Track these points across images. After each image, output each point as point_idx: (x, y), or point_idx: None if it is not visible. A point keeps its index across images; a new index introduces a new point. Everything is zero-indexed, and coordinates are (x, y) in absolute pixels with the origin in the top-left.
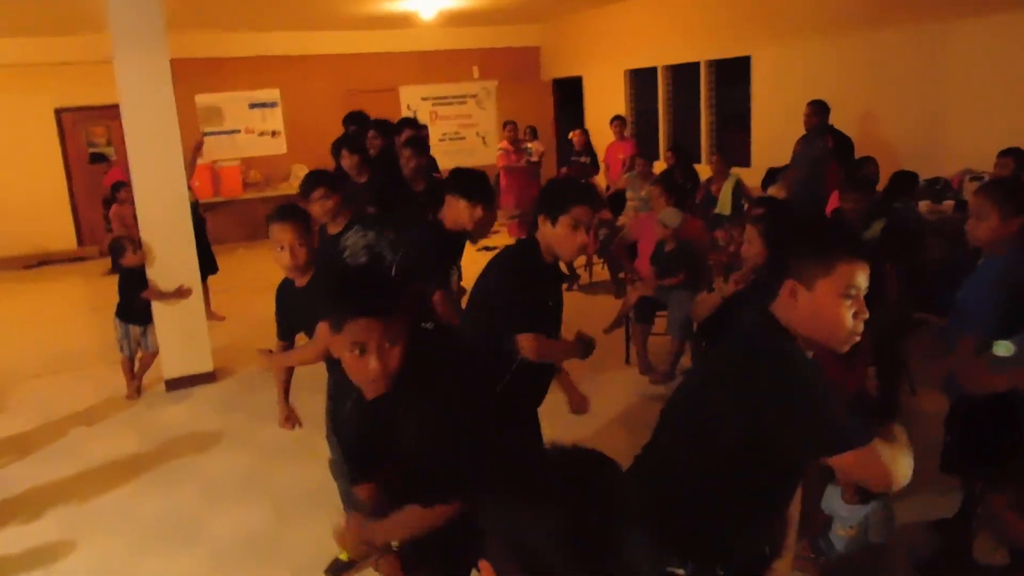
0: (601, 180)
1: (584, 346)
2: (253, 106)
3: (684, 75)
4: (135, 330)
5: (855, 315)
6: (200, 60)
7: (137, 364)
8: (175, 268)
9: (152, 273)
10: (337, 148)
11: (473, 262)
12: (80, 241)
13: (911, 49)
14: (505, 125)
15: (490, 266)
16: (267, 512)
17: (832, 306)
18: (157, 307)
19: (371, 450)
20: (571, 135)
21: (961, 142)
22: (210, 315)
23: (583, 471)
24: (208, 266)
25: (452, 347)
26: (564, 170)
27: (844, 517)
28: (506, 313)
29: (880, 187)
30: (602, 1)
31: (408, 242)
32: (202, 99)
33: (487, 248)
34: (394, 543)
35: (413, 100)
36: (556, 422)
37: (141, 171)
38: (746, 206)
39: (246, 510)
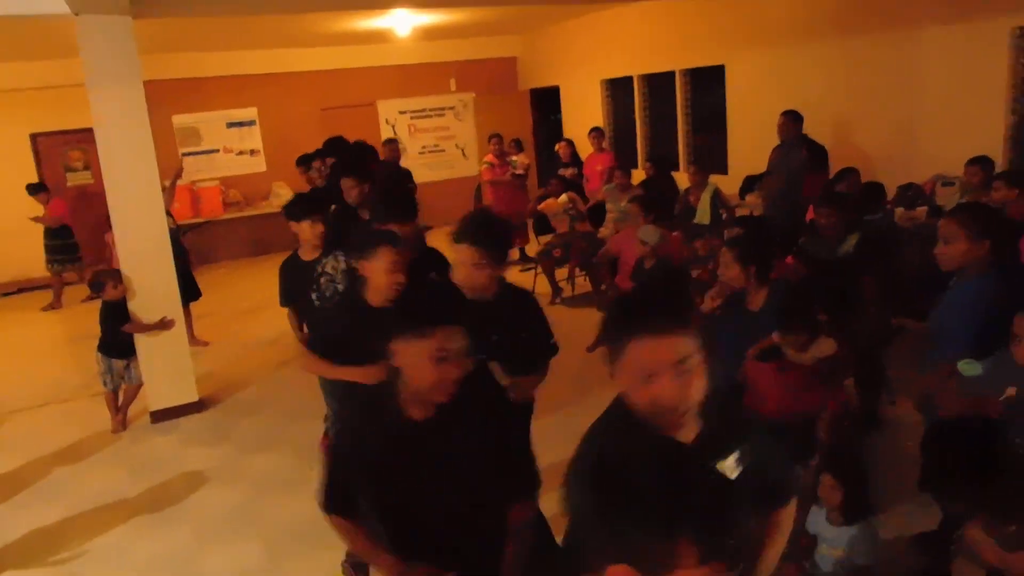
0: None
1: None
2: (231, 125)
3: (660, 84)
4: (118, 364)
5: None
6: (176, 81)
7: (121, 397)
8: (157, 299)
9: (134, 305)
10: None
11: None
12: None
13: (882, 57)
14: (490, 138)
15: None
16: (259, 550)
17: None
18: (140, 338)
19: (415, 472)
20: (557, 147)
21: (933, 148)
22: (193, 341)
23: None
24: (190, 292)
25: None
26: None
27: (830, 539)
28: None
29: None
30: (577, 12)
31: None
32: (179, 120)
33: None
34: None
35: (391, 114)
36: (547, 442)
37: (118, 198)
38: (724, 215)
39: (238, 548)
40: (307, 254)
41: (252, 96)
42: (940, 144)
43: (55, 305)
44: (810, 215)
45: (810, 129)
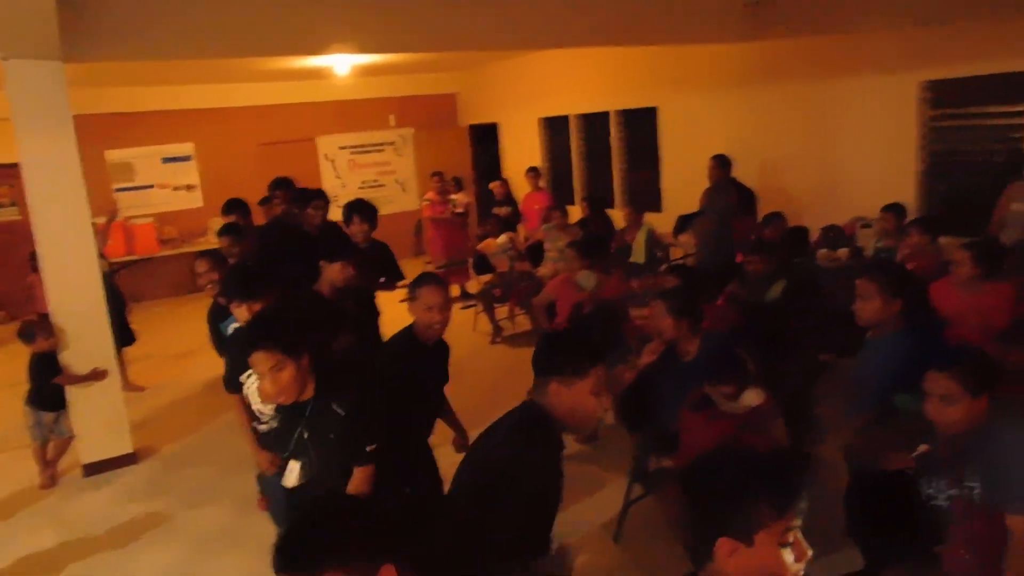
0: (520, 231)
1: None
2: (167, 160)
3: (596, 123)
4: (48, 417)
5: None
6: (109, 115)
7: (51, 451)
8: (89, 347)
9: (65, 354)
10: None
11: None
12: None
13: (805, 104)
14: (433, 175)
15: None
16: None
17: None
18: (71, 389)
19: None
20: (491, 185)
21: (853, 192)
22: (128, 387)
23: None
24: (124, 338)
25: None
26: (487, 222)
27: None
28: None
29: None
30: (515, 52)
31: None
32: (113, 155)
33: None
34: None
35: (331, 150)
36: None
37: (47, 239)
38: (659, 254)
39: None
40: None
41: (189, 131)
42: (859, 188)
43: None
44: (740, 258)
45: (739, 171)
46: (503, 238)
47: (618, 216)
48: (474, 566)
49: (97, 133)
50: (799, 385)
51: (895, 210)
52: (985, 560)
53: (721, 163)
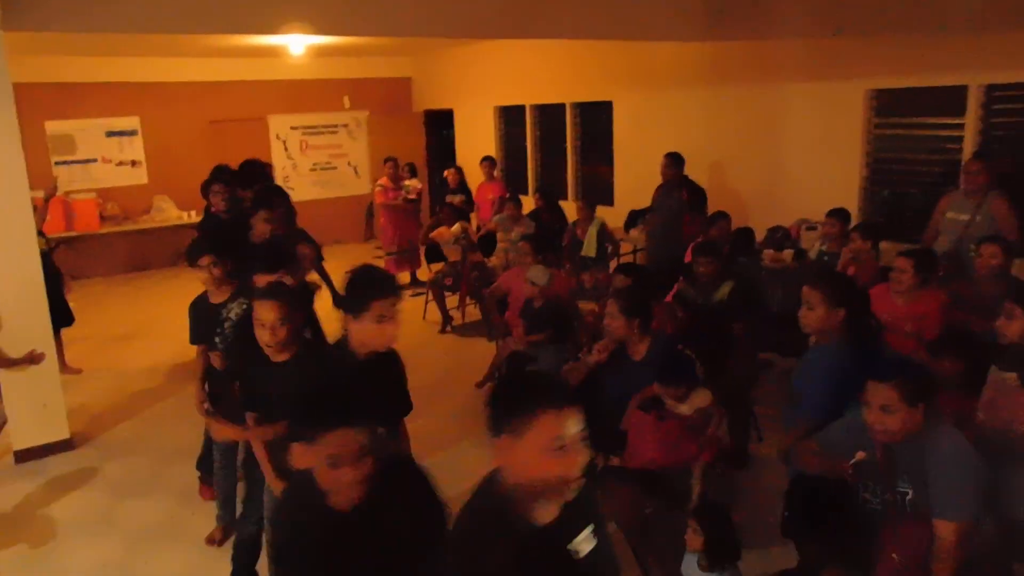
0: (473, 220)
1: None
2: (111, 134)
3: (552, 114)
4: None
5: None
6: (50, 85)
7: None
8: (26, 329)
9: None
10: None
11: None
12: None
13: (753, 106)
14: (386, 161)
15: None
16: None
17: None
18: (4, 373)
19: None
20: (445, 173)
21: (798, 194)
22: (65, 369)
23: None
24: (62, 318)
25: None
26: (440, 211)
27: None
28: None
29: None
30: (470, 40)
31: None
32: (53, 126)
33: None
34: None
35: (282, 129)
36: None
37: None
38: (610, 248)
39: None
40: (214, 297)
41: (135, 104)
42: (804, 190)
43: None
44: (688, 257)
45: (690, 170)
46: (456, 227)
47: (571, 209)
48: None
49: (37, 103)
50: (742, 385)
51: (840, 215)
52: (913, 562)
53: (674, 161)
